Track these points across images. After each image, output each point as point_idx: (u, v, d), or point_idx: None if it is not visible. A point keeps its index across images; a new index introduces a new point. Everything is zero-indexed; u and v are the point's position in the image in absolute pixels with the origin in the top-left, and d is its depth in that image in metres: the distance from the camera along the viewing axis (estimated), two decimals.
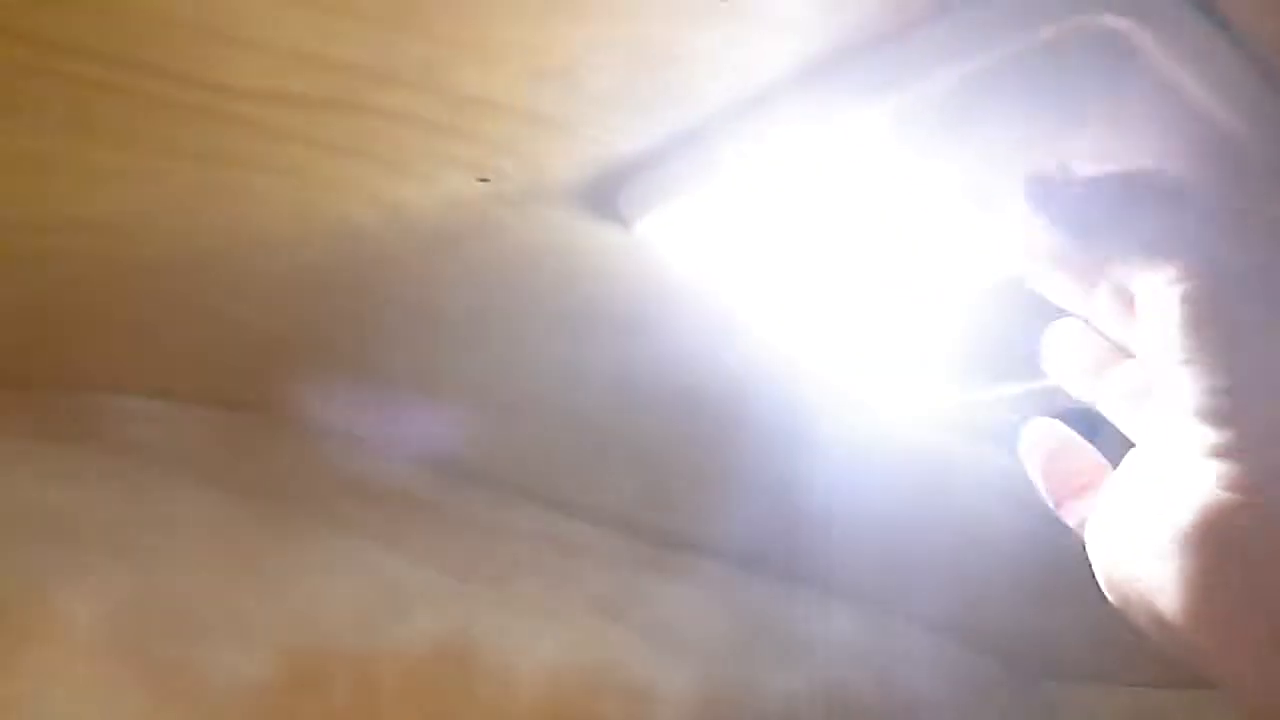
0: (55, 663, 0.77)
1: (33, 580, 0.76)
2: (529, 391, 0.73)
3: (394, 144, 0.40)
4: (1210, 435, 0.28)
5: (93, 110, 0.37)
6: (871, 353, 0.54)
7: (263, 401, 0.86)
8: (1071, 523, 0.37)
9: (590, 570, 1.02)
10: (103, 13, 0.32)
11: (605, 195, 0.44)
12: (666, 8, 0.33)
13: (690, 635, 1.07)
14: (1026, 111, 0.34)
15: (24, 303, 0.62)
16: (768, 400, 0.67)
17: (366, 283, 0.58)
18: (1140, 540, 0.30)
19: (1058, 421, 0.40)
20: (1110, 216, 0.31)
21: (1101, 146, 0.33)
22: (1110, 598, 0.32)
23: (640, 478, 0.89)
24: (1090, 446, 0.39)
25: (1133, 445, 0.36)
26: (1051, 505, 0.38)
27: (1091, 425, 0.77)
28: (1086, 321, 0.37)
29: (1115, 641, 1.05)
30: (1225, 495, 0.27)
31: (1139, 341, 0.33)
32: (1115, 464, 0.68)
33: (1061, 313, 0.38)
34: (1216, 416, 0.28)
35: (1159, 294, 0.29)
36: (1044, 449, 0.37)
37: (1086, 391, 0.36)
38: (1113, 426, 0.35)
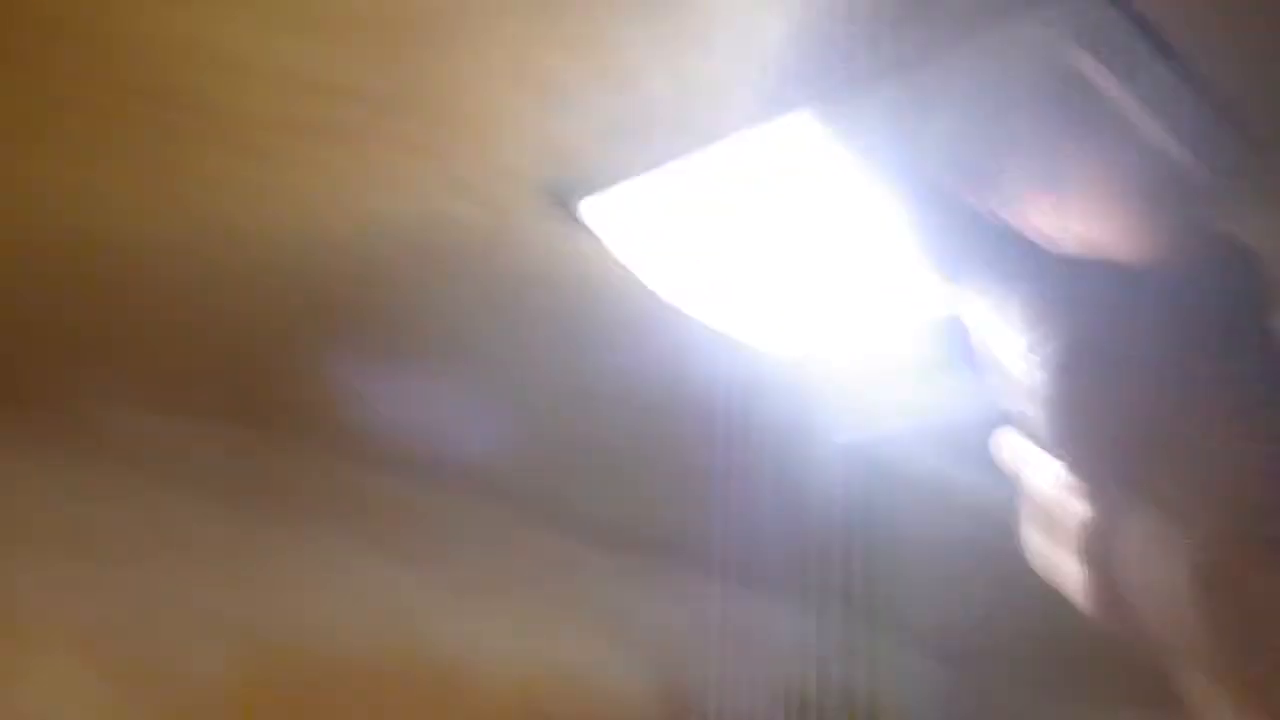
0: (22, 659, 0.76)
1: (1, 583, 0.76)
2: (490, 392, 0.73)
3: (371, 163, 0.41)
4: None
5: (95, 135, 0.38)
6: (826, 345, 0.54)
7: (255, 413, 0.86)
8: None
9: (548, 573, 1.03)
10: (108, 42, 0.33)
11: (561, 189, 0.45)
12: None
13: (651, 638, 1.08)
14: (968, 114, 0.36)
15: (20, 319, 0.62)
16: (727, 401, 0.68)
17: (345, 294, 0.58)
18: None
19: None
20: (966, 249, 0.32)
21: (1046, 168, 0.34)
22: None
23: (604, 482, 0.90)
24: None
25: None
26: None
27: None
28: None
29: (1076, 657, 1.06)
30: (1085, 520, 0.29)
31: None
32: None
33: None
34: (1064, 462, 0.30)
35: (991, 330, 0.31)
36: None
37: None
38: None
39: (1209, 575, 0.26)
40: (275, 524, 0.89)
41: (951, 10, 0.33)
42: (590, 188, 0.44)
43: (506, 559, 1.01)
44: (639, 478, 0.86)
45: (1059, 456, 0.30)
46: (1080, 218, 0.34)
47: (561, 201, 0.46)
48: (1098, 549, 0.29)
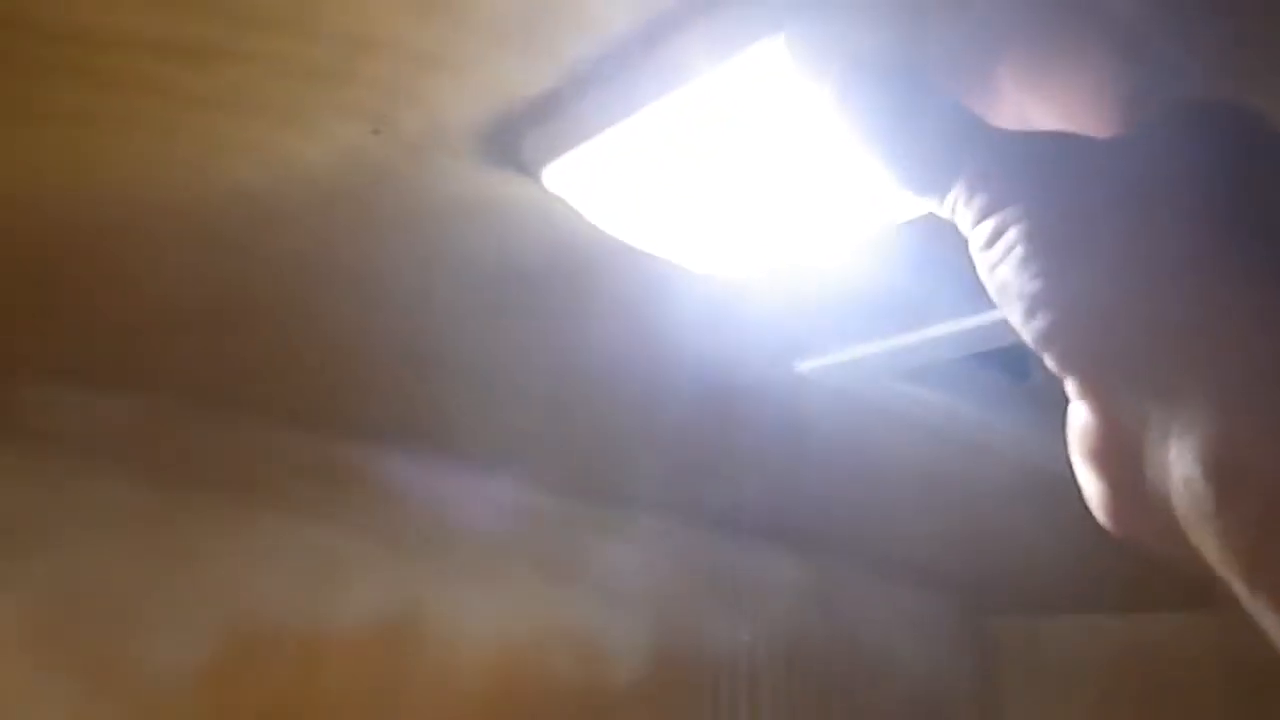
0: None
1: None
2: (450, 354, 0.71)
3: (271, 93, 0.38)
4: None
5: None
6: (792, 294, 0.53)
7: (180, 382, 0.83)
8: None
9: (531, 532, 1.01)
10: None
11: (507, 143, 0.42)
12: None
13: (638, 589, 1.07)
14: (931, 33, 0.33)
15: None
16: (696, 352, 0.66)
17: (270, 249, 0.56)
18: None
19: None
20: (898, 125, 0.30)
21: (988, 31, 0.32)
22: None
23: (578, 438, 0.88)
24: None
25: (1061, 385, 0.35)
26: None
27: (1023, 367, 0.77)
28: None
29: (1052, 573, 1.06)
30: (1085, 424, 0.27)
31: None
32: (1047, 403, 0.69)
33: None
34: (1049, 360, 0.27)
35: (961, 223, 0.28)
36: None
37: None
38: (1044, 368, 0.35)
39: (1225, 473, 0.23)
40: (215, 499, 0.87)
41: None
42: (533, 132, 0.42)
43: (478, 520, 0.99)
44: (618, 430, 0.84)
45: (1043, 356, 0.28)
46: (1043, 96, 0.31)
47: (503, 148, 0.43)
48: (1102, 453, 0.27)
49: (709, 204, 0.42)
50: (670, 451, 0.88)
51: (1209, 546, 0.23)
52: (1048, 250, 0.26)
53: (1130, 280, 0.26)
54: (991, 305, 0.39)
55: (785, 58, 0.33)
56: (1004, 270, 0.27)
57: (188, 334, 0.70)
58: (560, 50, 0.36)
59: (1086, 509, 0.30)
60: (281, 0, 0.33)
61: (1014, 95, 0.32)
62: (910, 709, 1.25)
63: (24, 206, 0.51)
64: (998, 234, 0.27)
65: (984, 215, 0.28)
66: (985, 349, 0.59)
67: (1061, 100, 0.31)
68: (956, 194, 0.28)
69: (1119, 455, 0.26)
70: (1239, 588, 0.23)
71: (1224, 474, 0.23)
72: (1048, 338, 0.27)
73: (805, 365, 0.65)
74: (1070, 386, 0.27)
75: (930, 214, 0.32)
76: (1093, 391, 0.27)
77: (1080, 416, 0.27)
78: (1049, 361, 0.27)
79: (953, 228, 0.31)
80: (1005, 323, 0.32)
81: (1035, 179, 0.27)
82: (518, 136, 0.42)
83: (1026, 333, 0.27)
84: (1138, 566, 0.91)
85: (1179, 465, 0.24)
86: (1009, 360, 0.71)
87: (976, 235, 0.28)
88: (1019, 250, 0.27)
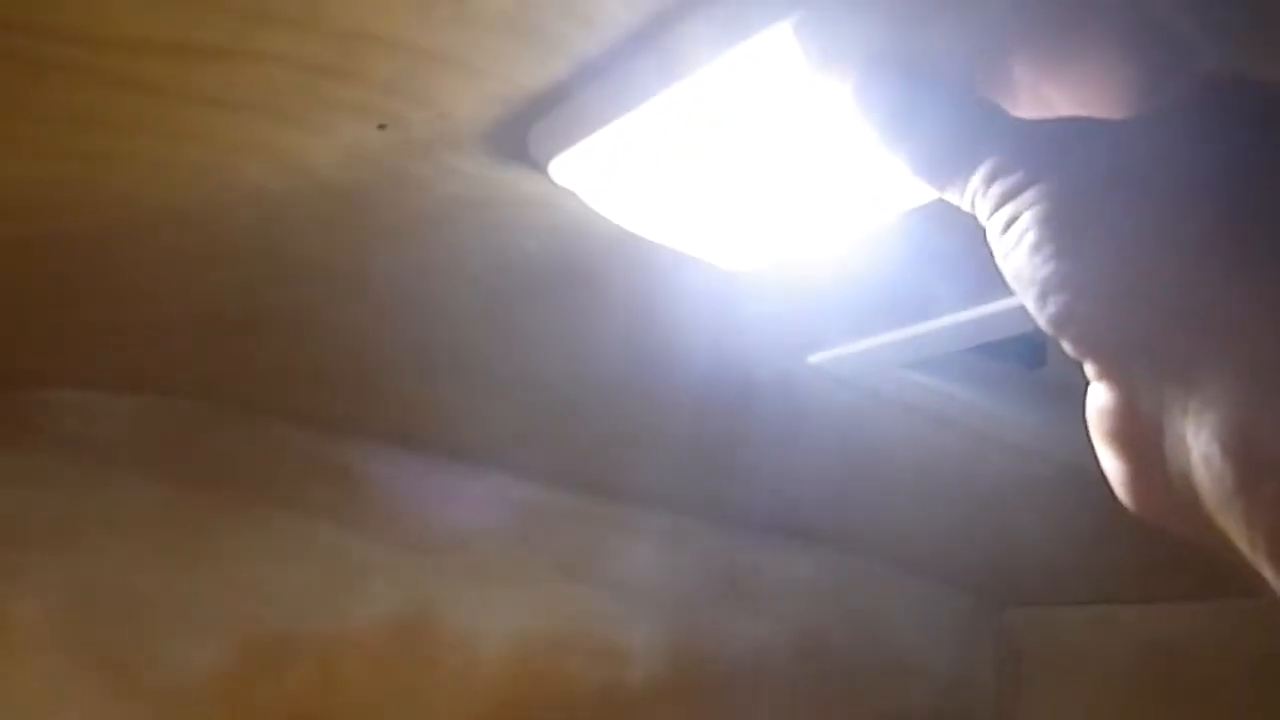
0: (5, 663, 0.75)
1: None
2: (463, 352, 0.70)
3: (279, 92, 0.38)
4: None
5: None
6: (804, 286, 0.52)
7: (196, 385, 0.83)
8: None
9: (548, 531, 1.01)
10: None
11: (514, 136, 0.42)
12: None
13: (653, 587, 1.07)
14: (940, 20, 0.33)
15: None
16: (709, 346, 0.66)
17: (281, 251, 0.56)
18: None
19: None
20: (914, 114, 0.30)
21: (1003, 17, 0.32)
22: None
23: (590, 435, 0.87)
24: None
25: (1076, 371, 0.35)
26: None
27: (1038, 353, 0.76)
28: None
29: (1070, 564, 1.06)
30: (1105, 405, 0.27)
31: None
32: (1064, 394, 0.67)
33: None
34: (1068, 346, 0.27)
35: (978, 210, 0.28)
36: None
37: None
38: (1058, 354, 0.34)
39: (1245, 451, 0.23)
40: (232, 502, 0.87)
41: None
42: (540, 126, 0.41)
43: (495, 521, 0.99)
44: (633, 427, 0.83)
45: (1059, 340, 0.27)
46: (1060, 82, 0.31)
47: (511, 143, 0.43)
48: (1122, 434, 0.26)
49: (719, 194, 0.42)
50: (685, 448, 0.88)
51: (1233, 527, 0.23)
52: (1062, 234, 0.26)
53: (1147, 262, 0.25)
54: (1006, 293, 0.39)
55: (794, 44, 0.33)
56: (1018, 255, 0.27)
57: (204, 337, 0.70)
58: (565, 41, 0.36)
59: (1103, 499, 0.29)
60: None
61: (1030, 81, 0.32)
62: (929, 702, 1.24)
63: (37, 212, 0.51)
64: (1012, 219, 0.27)
65: (1001, 203, 0.28)
66: (1001, 337, 0.58)
67: (1078, 85, 0.31)
68: (975, 184, 0.28)
69: (1139, 435, 0.26)
70: (1265, 569, 0.23)
71: (1243, 452, 0.23)
72: (1062, 321, 0.26)
73: (818, 358, 0.65)
74: (1089, 368, 0.27)
75: (942, 204, 0.32)
76: (1111, 373, 0.26)
77: (1099, 397, 0.27)
78: (1066, 345, 0.27)
79: (965, 217, 0.30)
80: (1020, 310, 0.31)
81: (1051, 164, 0.27)
82: (524, 129, 0.41)
83: (1041, 317, 0.27)
84: (1157, 556, 0.90)
85: (1198, 444, 0.24)
86: (1024, 350, 0.70)
87: (994, 223, 0.28)
88: (1032, 235, 0.27)
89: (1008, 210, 0.27)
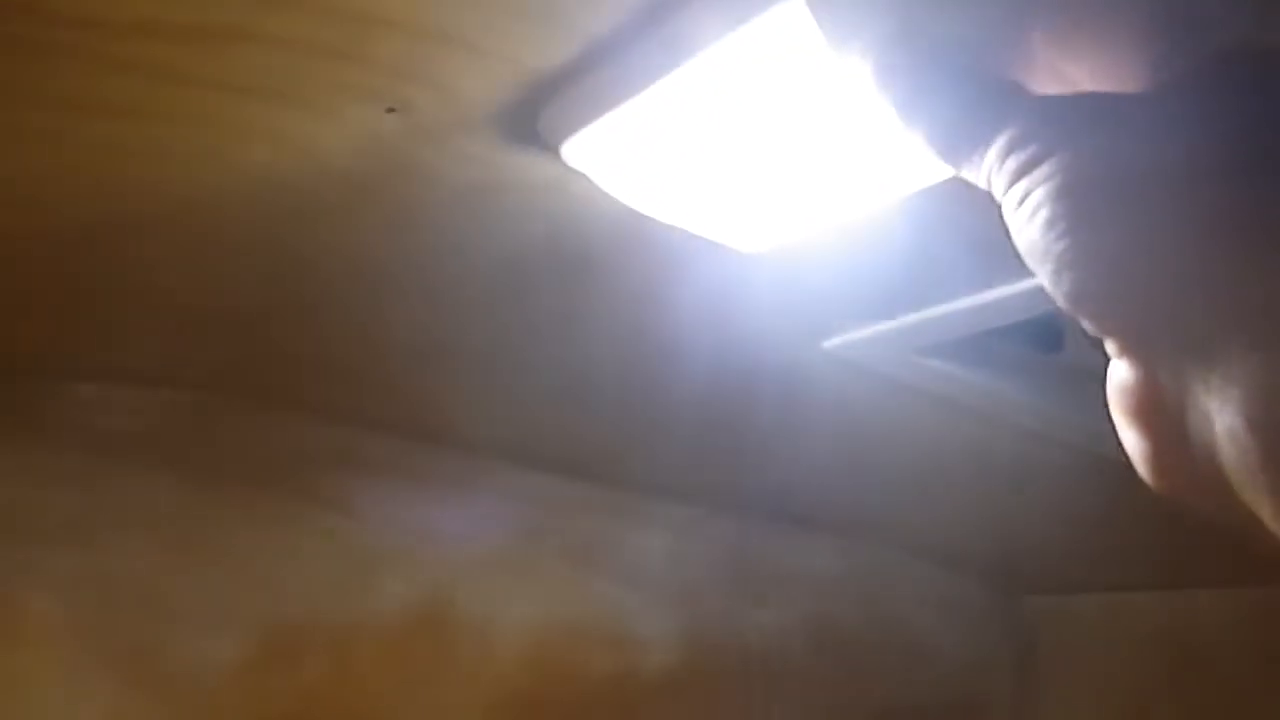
0: (22, 657, 0.75)
1: None
2: (477, 341, 0.70)
3: (288, 76, 0.38)
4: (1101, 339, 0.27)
5: None
6: (816, 270, 0.52)
7: (210, 378, 0.84)
8: None
9: (561, 522, 1.01)
10: None
11: (525, 118, 0.42)
12: None
13: (667, 576, 1.06)
14: None
15: None
16: (722, 332, 0.65)
17: (294, 239, 0.56)
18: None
19: None
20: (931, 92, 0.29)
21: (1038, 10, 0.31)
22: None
23: (602, 424, 0.87)
24: None
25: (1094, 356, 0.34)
26: None
27: (1055, 336, 0.76)
28: None
29: (1087, 550, 1.05)
30: (1126, 377, 0.26)
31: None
32: (1081, 378, 0.66)
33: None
34: (1089, 323, 0.27)
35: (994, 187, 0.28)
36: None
37: None
38: (1076, 337, 0.34)
39: (1270, 425, 0.22)
40: (248, 495, 0.87)
41: None
42: (551, 108, 0.41)
43: (508, 512, 0.99)
44: (645, 415, 0.83)
45: (1077, 317, 0.27)
46: (1078, 56, 0.31)
47: (521, 126, 0.42)
48: (1144, 410, 0.26)
49: (732, 174, 0.41)
50: (697, 436, 0.88)
51: (1258, 502, 0.23)
52: (1078, 209, 0.26)
53: (1165, 236, 0.25)
54: (1021, 276, 0.38)
55: (806, 19, 0.32)
56: (1032, 230, 0.27)
57: (217, 328, 0.70)
58: (575, 21, 0.36)
59: (1119, 485, 0.29)
60: None
61: (1048, 57, 0.31)
62: (945, 690, 1.24)
63: (49, 203, 0.51)
64: (1027, 194, 0.27)
65: (1016, 178, 0.27)
66: (1017, 319, 0.58)
67: (1096, 60, 0.31)
68: (991, 159, 0.28)
69: (1161, 411, 0.25)
70: None
71: (1269, 426, 0.22)
72: (1078, 297, 0.26)
73: (832, 343, 0.64)
74: (1109, 345, 0.27)
75: (957, 183, 0.32)
76: (1131, 349, 0.26)
77: (1120, 374, 0.27)
78: (1084, 322, 0.27)
79: (980, 197, 0.30)
80: (1037, 292, 0.31)
81: (1067, 139, 0.27)
82: (535, 112, 0.41)
83: (1057, 293, 0.27)
84: (1173, 543, 0.89)
85: (1221, 418, 0.23)
86: (1041, 334, 0.70)
87: (1009, 198, 0.28)
88: (1046, 209, 0.26)
89: (1023, 185, 0.27)
